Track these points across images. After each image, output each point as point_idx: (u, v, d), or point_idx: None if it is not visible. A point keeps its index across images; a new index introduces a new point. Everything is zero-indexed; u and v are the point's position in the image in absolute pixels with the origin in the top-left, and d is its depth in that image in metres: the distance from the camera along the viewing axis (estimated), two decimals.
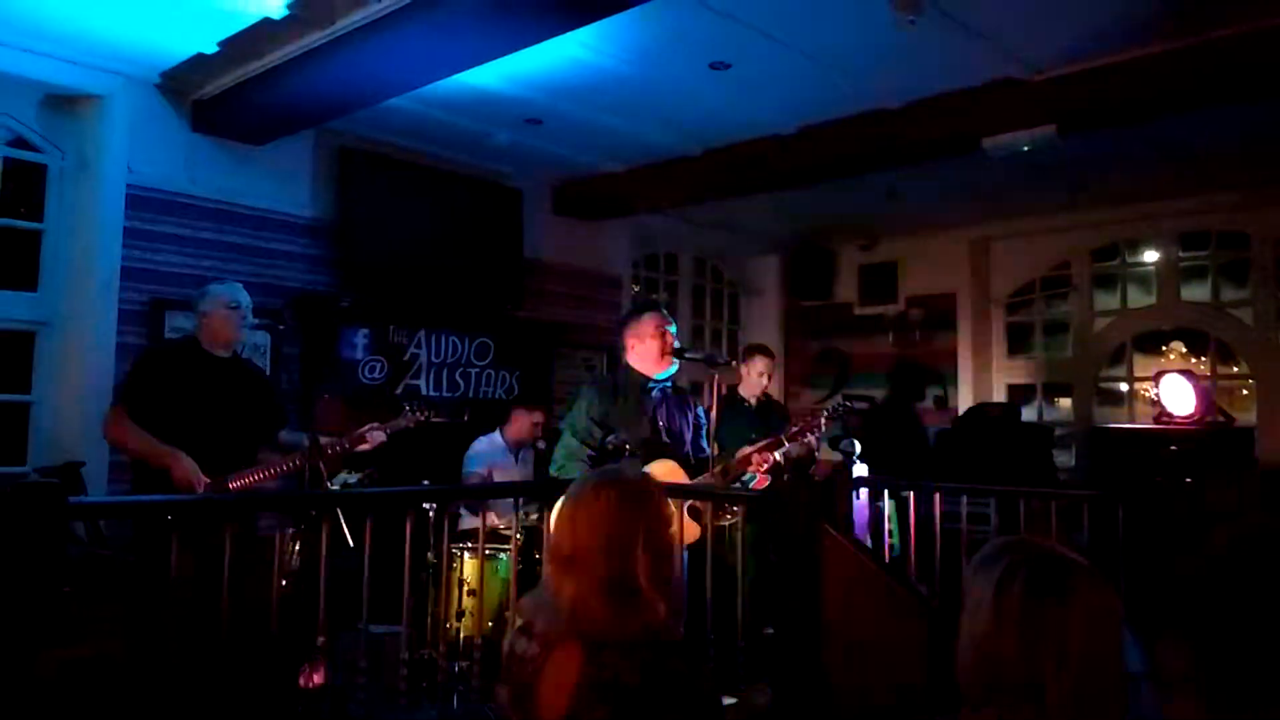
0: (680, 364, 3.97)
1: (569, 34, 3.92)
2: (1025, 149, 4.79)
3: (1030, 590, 1.38)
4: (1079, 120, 4.65)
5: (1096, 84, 4.39)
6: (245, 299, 4.01)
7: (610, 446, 3.60)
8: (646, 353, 3.92)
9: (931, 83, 4.73)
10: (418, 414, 4.31)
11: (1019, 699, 1.35)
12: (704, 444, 4.05)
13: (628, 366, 3.98)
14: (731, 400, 5.21)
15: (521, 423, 5.47)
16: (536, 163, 6.21)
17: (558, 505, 1.93)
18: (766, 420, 4.98)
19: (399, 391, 5.76)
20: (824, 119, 5.26)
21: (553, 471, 3.85)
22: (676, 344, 3.92)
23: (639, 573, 1.75)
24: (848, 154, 5.39)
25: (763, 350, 5.38)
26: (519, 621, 1.93)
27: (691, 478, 3.87)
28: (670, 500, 2.11)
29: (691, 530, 3.57)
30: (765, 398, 5.28)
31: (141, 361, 3.93)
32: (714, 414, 3.93)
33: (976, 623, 1.41)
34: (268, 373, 5.20)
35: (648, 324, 3.94)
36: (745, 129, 5.50)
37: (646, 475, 1.96)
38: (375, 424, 4.12)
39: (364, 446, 4.08)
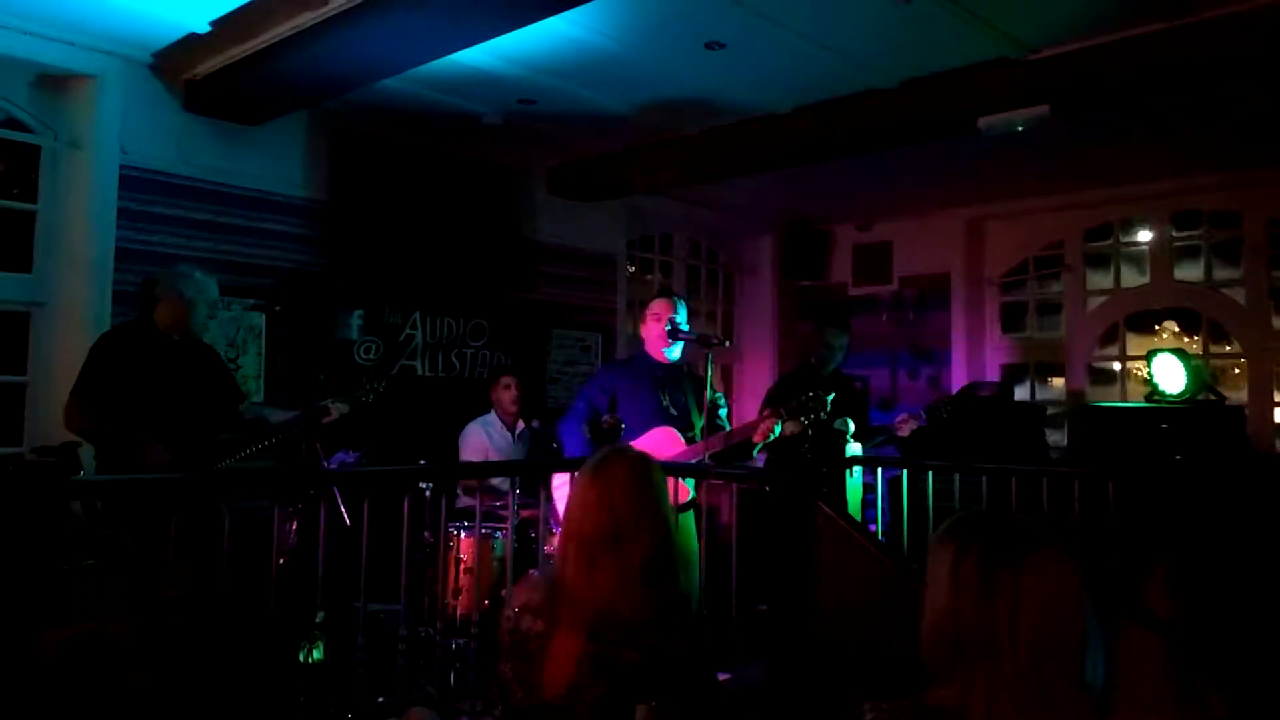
0: (679, 343, 4.21)
1: (563, 13, 3.91)
2: (1020, 129, 4.79)
3: (985, 559, 1.40)
4: (1073, 100, 4.65)
5: (1091, 64, 4.39)
6: (217, 296, 4.23)
7: (605, 426, 3.65)
8: (650, 334, 4.25)
9: (927, 63, 4.73)
10: (375, 386, 4.44)
11: (977, 670, 1.36)
12: (720, 422, 4.19)
13: (640, 348, 4.35)
14: (806, 372, 5.28)
15: (499, 395, 5.51)
16: (531, 143, 6.20)
17: (575, 487, 1.95)
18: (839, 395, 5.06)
19: (394, 372, 5.77)
20: (819, 99, 5.24)
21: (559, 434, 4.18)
22: (672, 325, 4.11)
23: (652, 552, 1.78)
24: (843, 134, 5.38)
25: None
26: (519, 601, 1.95)
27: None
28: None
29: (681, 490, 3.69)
30: (836, 371, 5.38)
31: (95, 350, 3.96)
32: (709, 391, 4.05)
33: (936, 594, 1.43)
34: (262, 354, 5.23)
35: (653, 307, 4.28)
36: (740, 109, 5.49)
37: (648, 456, 1.98)
38: (332, 398, 4.28)
39: (328, 419, 4.21)
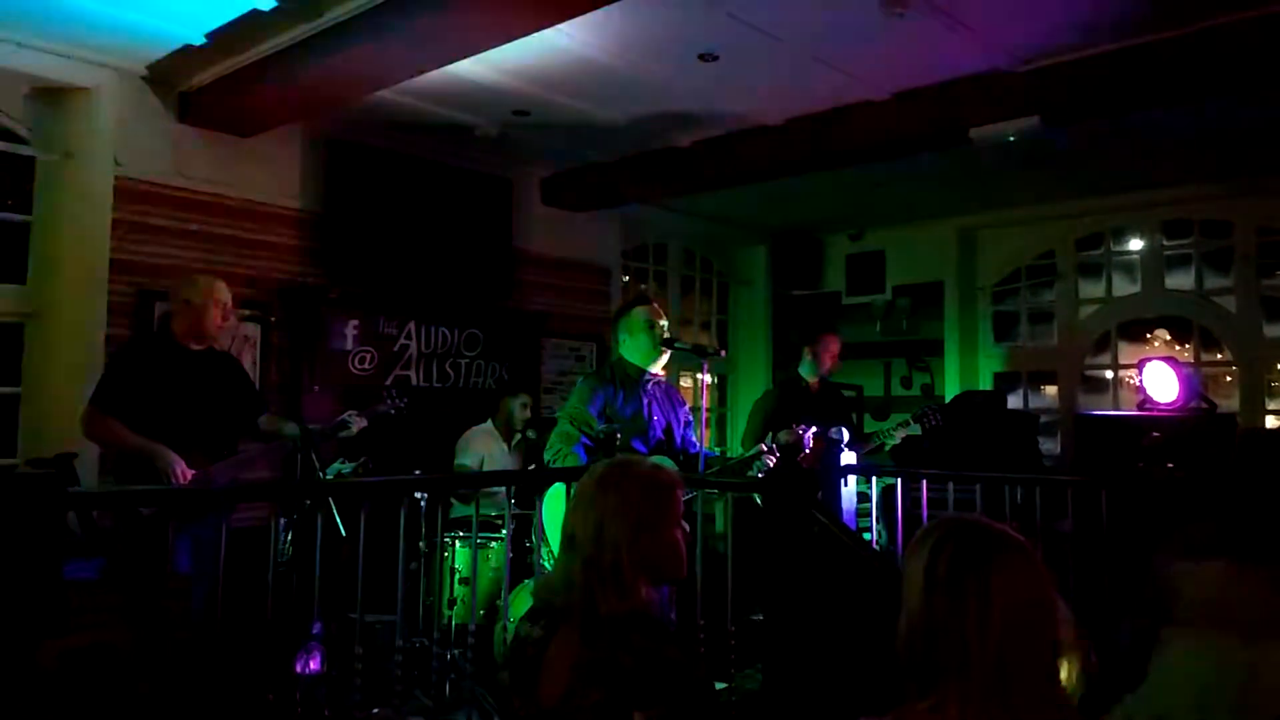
0: (670, 354, 4.02)
1: (558, 25, 3.93)
2: (1011, 139, 4.83)
3: (955, 560, 1.41)
4: (1064, 111, 4.68)
5: (1081, 75, 4.43)
6: (228, 295, 4.06)
7: (602, 435, 3.63)
8: (638, 345, 3.97)
9: (919, 74, 4.76)
10: (397, 401, 4.36)
11: (950, 677, 1.36)
12: (693, 439, 4.11)
13: (621, 359, 4.03)
14: (791, 387, 5.24)
15: (514, 412, 5.52)
16: (525, 154, 6.22)
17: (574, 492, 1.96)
18: (829, 405, 5.03)
19: (389, 382, 5.77)
20: (812, 110, 5.28)
21: (548, 458, 3.88)
22: (666, 335, 3.97)
23: (624, 557, 1.79)
24: (836, 145, 5.41)
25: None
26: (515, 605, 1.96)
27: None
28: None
29: None
30: (824, 382, 5.32)
31: (116, 359, 3.95)
32: (703, 401, 3.99)
33: (910, 598, 1.44)
34: (257, 364, 5.22)
35: (638, 317, 3.99)
36: (733, 120, 5.52)
37: (660, 468, 1.98)
38: (353, 411, 4.16)
39: (346, 434, 4.13)
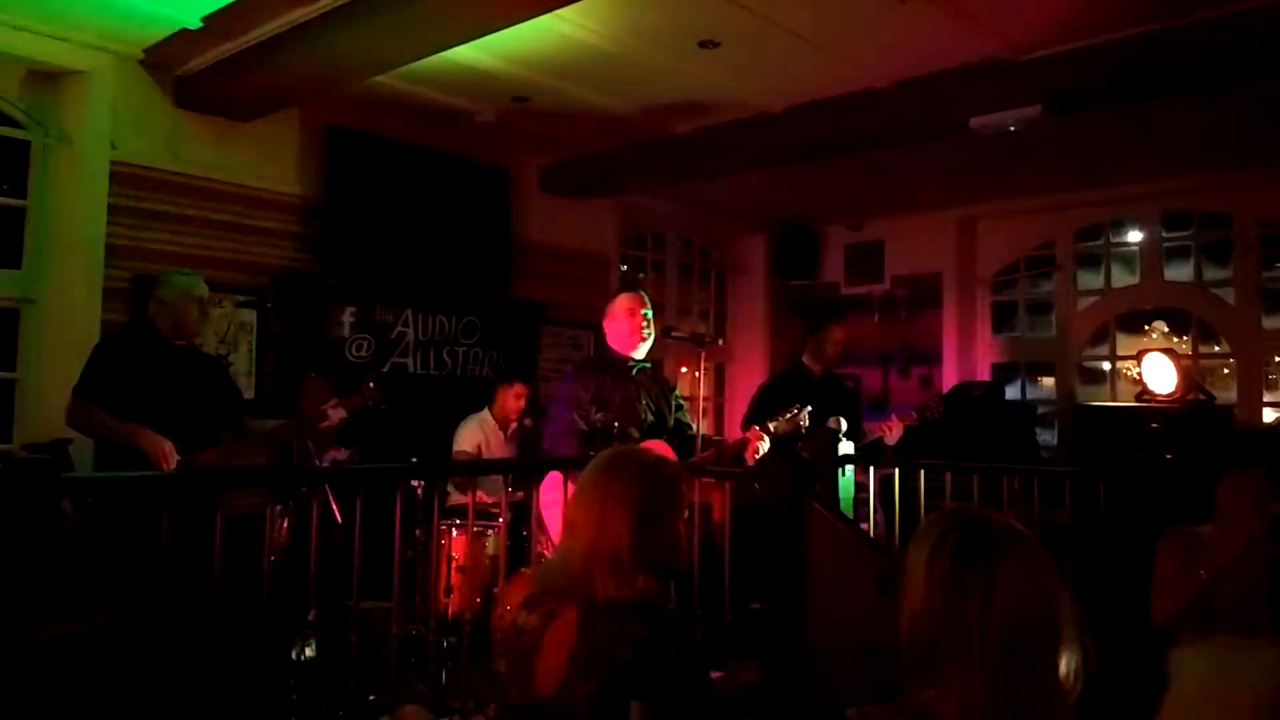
0: (667, 343, 4.03)
1: (557, 10, 3.90)
2: (1012, 129, 4.81)
3: (958, 554, 1.40)
4: (1065, 100, 4.67)
5: (1083, 65, 4.41)
6: (205, 291, 4.06)
7: (598, 424, 3.62)
8: (619, 332, 4.00)
9: (920, 63, 4.74)
10: (374, 392, 4.37)
11: (951, 670, 1.35)
12: (686, 420, 4.11)
13: (609, 347, 4.05)
14: (797, 376, 5.23)
15: (506, 399, 5.50)
16: (524, 141, 6.19)
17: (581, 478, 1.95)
18: (831, 395, 5.03)
19: (386, 370, 5.75)
20: (813, 98, 5.25)
21: (546, 447, 3.88)
22: (646, 326, 3.96)
23: (624, 547, 1.78)
24: (836, 133, 5.39)
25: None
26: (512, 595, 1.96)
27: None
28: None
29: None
30: (827, 371, 5.30)
31: (99, 350, 3.94)
32: (700, 390, 3.98)
33: (912, 593, 1.43)
34: (253, 350, 5.21)
35: (620, 304, 4.02)
36: (734, 108, 5.50)
37: (665, 460, 1.97)
38: (335, 400, 4.18)
39: (326, 425, 4.14)
